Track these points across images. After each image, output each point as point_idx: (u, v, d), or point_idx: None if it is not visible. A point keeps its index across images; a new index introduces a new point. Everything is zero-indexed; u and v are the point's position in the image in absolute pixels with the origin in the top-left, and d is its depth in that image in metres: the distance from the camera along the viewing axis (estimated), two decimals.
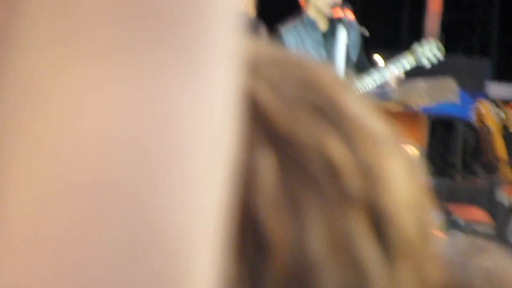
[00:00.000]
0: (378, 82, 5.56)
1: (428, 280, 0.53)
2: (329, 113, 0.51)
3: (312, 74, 0.53)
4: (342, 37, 4.98)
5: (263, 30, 4.77)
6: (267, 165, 0.50)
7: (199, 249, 0.31)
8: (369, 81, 5.46)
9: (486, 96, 9.66)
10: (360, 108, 0.53)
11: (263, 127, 0.50)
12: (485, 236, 6.55)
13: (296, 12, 5.03)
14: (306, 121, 0.50)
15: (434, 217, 0.55)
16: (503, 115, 7.35)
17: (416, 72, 5.94)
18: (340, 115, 0.51)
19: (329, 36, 5.02)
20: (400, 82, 5.80)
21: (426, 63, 5.90)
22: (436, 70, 6.45)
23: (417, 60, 5.81)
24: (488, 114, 7.22)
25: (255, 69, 0.51)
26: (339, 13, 5.03)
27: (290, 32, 4.97)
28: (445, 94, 6.07)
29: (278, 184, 0.49)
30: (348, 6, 5.03)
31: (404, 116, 6.10)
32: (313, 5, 4.96)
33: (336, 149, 0.50)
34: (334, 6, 4.99)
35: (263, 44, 0.57)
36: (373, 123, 0.53)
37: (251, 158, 0.49)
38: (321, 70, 0.54)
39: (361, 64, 5.43)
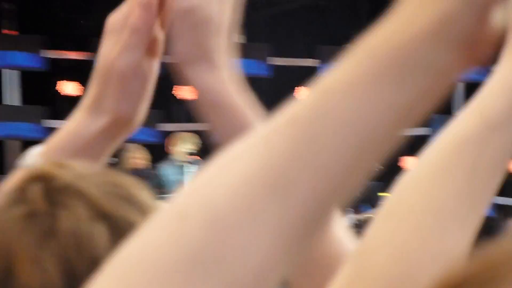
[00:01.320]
0: None
1: None
2: (130, 199, 0.89)
3: (119, 179, 0.91)
4: (192, 169, 8.32)
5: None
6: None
7: None
8: None
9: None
10: (146, 195, 0.91)
11: (93, 209, 0.88)
12: None
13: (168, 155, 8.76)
14: (118, 204, 0.88)
15: None
16: None
17: None
18: (135, 199, 0.89)
19: (186, 168, 8.48)
20: None
21: None
22: None
23: None
24: None
25: (85, 177, 0.88)
26: (191, 156, 8.50)
27: (165, 166, 8.62)
28: None
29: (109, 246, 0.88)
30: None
31: None
32: (178, 152, 8.63)
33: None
34: (189, 153, 8.52)
35: (89, 167, 0.94)
36: (153, 202, 0.92)
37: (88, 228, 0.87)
38: (125, 178, 0.91)
39: None
